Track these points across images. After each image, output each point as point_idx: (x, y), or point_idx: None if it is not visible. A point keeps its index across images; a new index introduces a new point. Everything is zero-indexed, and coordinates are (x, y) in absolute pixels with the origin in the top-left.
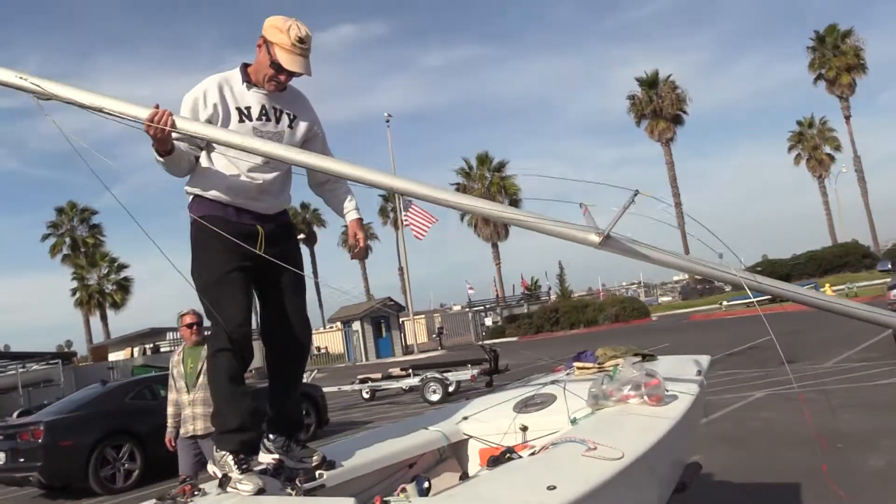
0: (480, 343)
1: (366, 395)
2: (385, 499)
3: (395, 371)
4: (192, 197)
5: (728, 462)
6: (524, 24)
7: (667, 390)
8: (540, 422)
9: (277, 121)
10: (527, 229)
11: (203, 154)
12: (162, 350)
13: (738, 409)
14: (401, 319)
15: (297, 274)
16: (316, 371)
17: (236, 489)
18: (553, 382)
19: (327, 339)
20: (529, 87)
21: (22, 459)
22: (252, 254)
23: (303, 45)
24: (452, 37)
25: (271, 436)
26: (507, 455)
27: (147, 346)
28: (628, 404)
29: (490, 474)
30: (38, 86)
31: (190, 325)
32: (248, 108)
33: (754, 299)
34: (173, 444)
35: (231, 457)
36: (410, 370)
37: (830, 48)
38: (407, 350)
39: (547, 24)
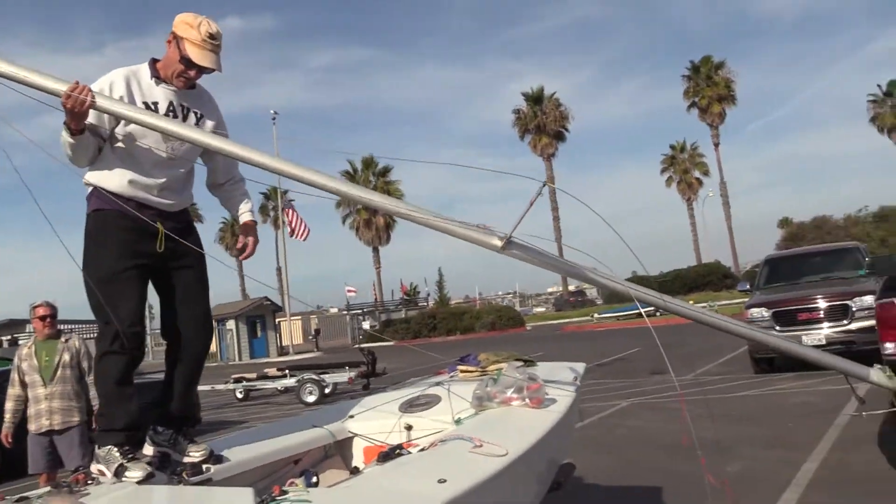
0: (358, 346)
1: (240, 395)
2: (283, 489)
3: (271, 371)
4: (90, 189)
5: (597, 466)
6: (420, 32)
7: (546, 394)
8: (424, 422)
9: (184, 118)
10: (433, 229)
11: (106, 146)
12: (21, 342)
13: (606, 417)
14: (277, 320)
15: (200, 272)
16: None
17: (126, 477)
18: (438, 384)
19: None
20: (420, 94)
21: None
22: (149, 251)
23: (213, 42)
24: (344, 38)
25: (159, 428)
26: (397, 451)
27: (4, 338)
28: (511, 406)
29: (382, 469)
30: None
31: (43, 318)
32: (154, 104)
33: (643, 310)
34: (9, 440)
35: (116, 449)
36: (287, 371)
37: (704, 78)
38: (282, 351)
39: (442, 33)
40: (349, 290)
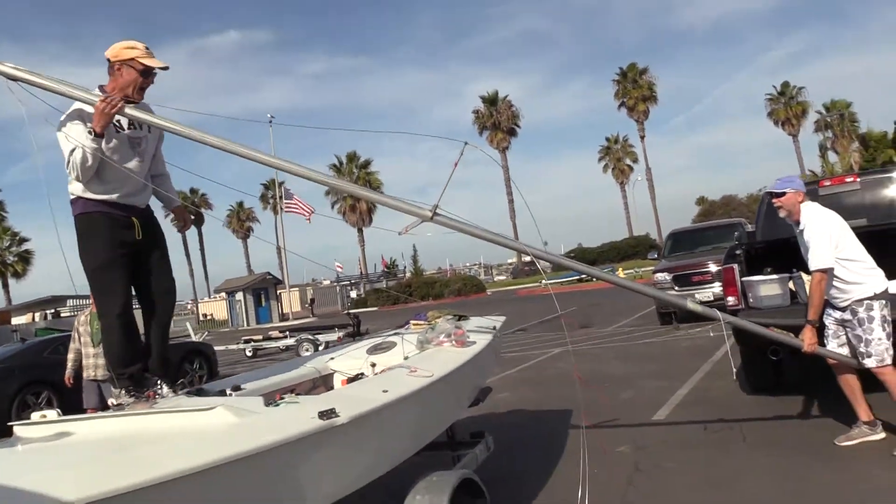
0: (346, 311)
1: (249, 353)
2: (282, 396)
3: (275, 333)
4: (75, 197)
5: (527, 397)
6: (395, 42)
7: (468, 338)
8: (384, 360)
9: (141, 127)
10: (377, 203)
11: None
12: (62, 315)
13: (540, 361)
14: (278, 291)
15: (163, 252)
16: (206, 333)
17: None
18: (395, 334)
19: (214, 307)
20: (396, 95)
21: None
22: (129, 239)
23: (150, 50)
24: (332, 48)
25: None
26: (358, 377)
27: (48, 311)
28: (442, 347)
29: (347, 387)
30: (16, 68)
31: None
32: (118, 122)
33: (561, 280)
34: (71, 382)
35: (124, 391)
36: (287, 332)
37: (631, 82)
38: (283, 317)
39: (414, 42)
40: (338, 266)
